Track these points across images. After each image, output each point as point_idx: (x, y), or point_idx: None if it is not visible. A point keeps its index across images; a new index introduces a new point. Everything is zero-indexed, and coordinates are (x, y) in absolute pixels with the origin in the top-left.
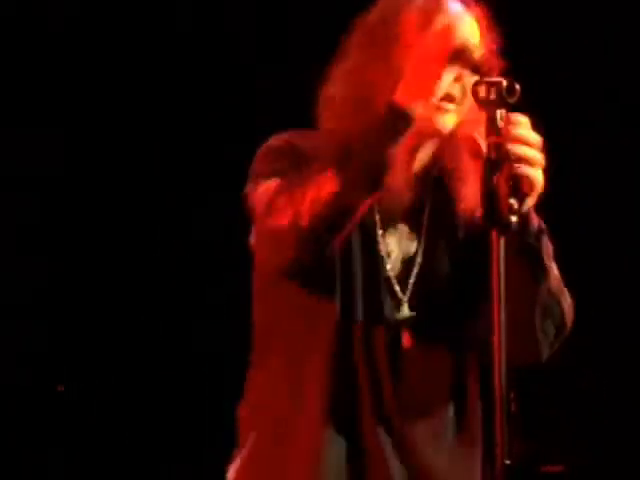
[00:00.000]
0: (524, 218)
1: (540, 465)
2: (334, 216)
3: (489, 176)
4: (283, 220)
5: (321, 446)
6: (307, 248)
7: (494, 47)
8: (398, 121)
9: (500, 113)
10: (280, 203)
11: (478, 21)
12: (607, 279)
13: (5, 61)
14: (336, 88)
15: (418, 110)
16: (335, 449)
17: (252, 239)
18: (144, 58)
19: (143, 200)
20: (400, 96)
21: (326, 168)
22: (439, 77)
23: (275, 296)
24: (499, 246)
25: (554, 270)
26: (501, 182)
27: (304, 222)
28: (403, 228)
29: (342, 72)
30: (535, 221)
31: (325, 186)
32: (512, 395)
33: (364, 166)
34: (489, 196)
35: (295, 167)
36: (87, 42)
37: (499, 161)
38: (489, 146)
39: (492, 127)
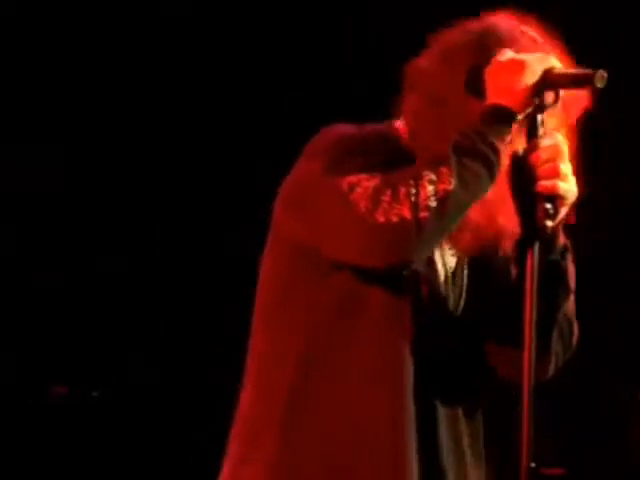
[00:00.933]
0: (553, 232)
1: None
2: (452, 214)
3: (522, 181)
4: (393, 217)
5: (403, 446)
6: (421, 247)
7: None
8: (504, 118)
9: (540, 118)
10: (386, 199)
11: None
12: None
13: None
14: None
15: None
16: (412, 449)
17: (303, 226)
18: (144, 69)
19: (143, 208)
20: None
21: (425, 166)
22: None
23: (321, 285)
24: (533, 257)
25: (573, 292)
26: (536, 187)
27: (423, 221)
28: (444, 244)
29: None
30: (562, 239)
31: (442, 184)
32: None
33: (481, 161)
34: (524, 200)
35: (377, 163)
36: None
37: (533, 167)
38: (525, 150)
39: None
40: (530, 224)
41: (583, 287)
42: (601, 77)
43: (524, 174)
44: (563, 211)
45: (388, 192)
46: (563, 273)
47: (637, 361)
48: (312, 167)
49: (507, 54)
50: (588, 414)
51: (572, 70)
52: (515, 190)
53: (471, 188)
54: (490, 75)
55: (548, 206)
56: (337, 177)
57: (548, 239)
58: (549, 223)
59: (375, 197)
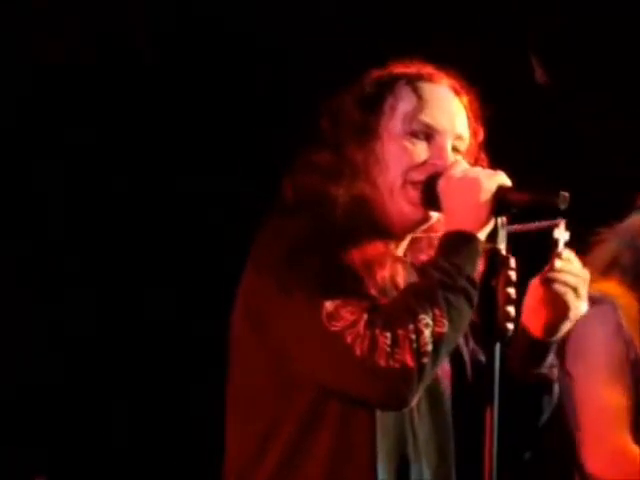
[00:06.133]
0: (547, 347)
1: None
2: (444, 354)
3: (488, 282)
4: (395, 363)
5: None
6: (420, 390)
7: (481, 138)
8: (471, 245)
9: (501, 221)
10: (386, 343)
11: (467, 108)
12: None
13: None
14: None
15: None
16: None
17: (278, 350)
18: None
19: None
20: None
21: (418, 306)
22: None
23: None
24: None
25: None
26: (500, 289)
27: (424, 366)
28: None
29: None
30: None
31: (437, 327)
32: None
33: (463, 297)
34: (486, 303)
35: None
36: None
37: (497, 267)
38: (486, 252)
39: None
40: (491, 326)
41: None
42: (564, 199)
43: (491, 297)
44: (566, 326)
45: (387, 335)
46: (550, 387)
47: None
48: (270, 286)
49: (459, 167)
50: None
51: (530, 193)
52: (481, 295)
53: (459, 326)
54: (444, 191)
55: (509, 309)
56: (308, 303)
57: (540, 352)
58: (510, 326)
59: (372, 340)
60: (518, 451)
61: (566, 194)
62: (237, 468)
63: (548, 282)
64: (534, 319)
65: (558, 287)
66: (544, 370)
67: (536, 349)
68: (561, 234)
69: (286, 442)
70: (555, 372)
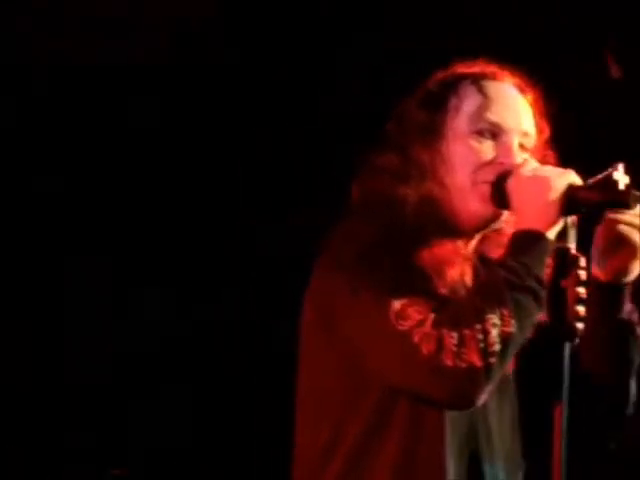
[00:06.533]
0: (622, 289)
1: None
2: (512, 354)
3: (557, 282)
4: (462, 363)
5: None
6: (487, 390)
7: (547, 135)
8: (540, 245)
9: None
10: (452, 343)
11: (532, 106)
12: None
13: None
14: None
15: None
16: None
17: (350, 350)
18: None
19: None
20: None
21: (486, 306)
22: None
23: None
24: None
25: None
26: (569, 288)
27: (492, 367)
28: None
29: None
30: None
31: (505, 327)
32: None
33: (532, 297)
34: (556, 302)
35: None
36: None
37: (567, 266)
38: (555, 251)
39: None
40: (561, 326)
41: None
42: (635, 198)
43: (561, 296)
44: (637, 267)
45: (454, 335)
46: (634, 332)
47: None
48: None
49: (529, 166)
50: None
51: (601, 192)
52: (549, 292)
53: (526, 326)
54: (513, 190)
55: (580, 309)
56: (377, 302)
57: (615, 297)
58: (580, 325)
59: (439, 340)
60: (604, 440)
61: (637, 193)
62: (306, 470)
63: (613, 224)
64: (603, 264)
65: (623, 228)
66: (624, 316)
67: (611, 294)
68: (620, 176)
69: (353, 443)
70: (636, 317)
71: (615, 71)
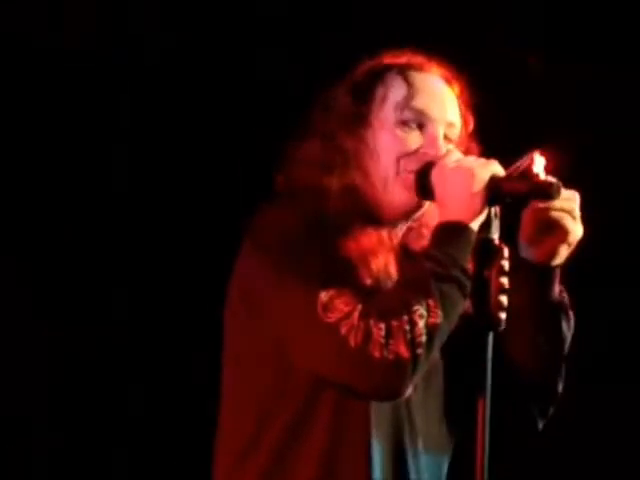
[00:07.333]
0: (552, 271)
1: None
2: (438, 345)
3: (481, 272)
4: (389, 354)
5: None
6: (413, 381)
7: (472, 127)
8: (464, 236)
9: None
10: (380, 334)
11: (458, 97)
12: None
13: None
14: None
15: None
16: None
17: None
18: None
19: None
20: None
21: (412, 297)
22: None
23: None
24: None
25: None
26: (492, 278)
27: (419, 357)
28: None
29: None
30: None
31: (431, 318)
32: None
33: (456, 287)
34: (480, 292)
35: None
36: None
37: (490, 256)
38: (478, 242)
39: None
40: (484, 316)
41: None
42: (557, 188)
43: (484, 286)
44: (566, 251)
45: (381, 326)
46: (566, 313)
47: None
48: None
49: (453, 157)
50: None
51: (523, 183)
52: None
53: (452, 316)
54: (437, 181)
55: (503, 299)
56: (304, 294)
57: (546, 278)
58: (503, 316)
59: (366, 331)
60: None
61: (559, 183)
62: (229, 458)
63: (543, 211)
64: (533, 247)
65: (554, 214)
66: (555, 297)
67: (542, 276)
68: (539, 166)
69: (282, 428)
70: (567, 298)
71: (535, 61)
